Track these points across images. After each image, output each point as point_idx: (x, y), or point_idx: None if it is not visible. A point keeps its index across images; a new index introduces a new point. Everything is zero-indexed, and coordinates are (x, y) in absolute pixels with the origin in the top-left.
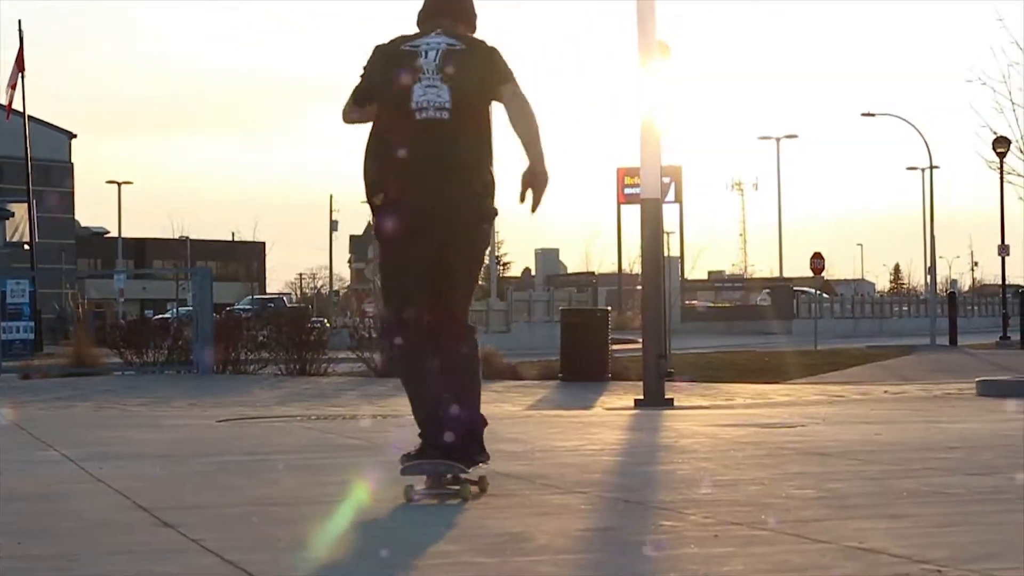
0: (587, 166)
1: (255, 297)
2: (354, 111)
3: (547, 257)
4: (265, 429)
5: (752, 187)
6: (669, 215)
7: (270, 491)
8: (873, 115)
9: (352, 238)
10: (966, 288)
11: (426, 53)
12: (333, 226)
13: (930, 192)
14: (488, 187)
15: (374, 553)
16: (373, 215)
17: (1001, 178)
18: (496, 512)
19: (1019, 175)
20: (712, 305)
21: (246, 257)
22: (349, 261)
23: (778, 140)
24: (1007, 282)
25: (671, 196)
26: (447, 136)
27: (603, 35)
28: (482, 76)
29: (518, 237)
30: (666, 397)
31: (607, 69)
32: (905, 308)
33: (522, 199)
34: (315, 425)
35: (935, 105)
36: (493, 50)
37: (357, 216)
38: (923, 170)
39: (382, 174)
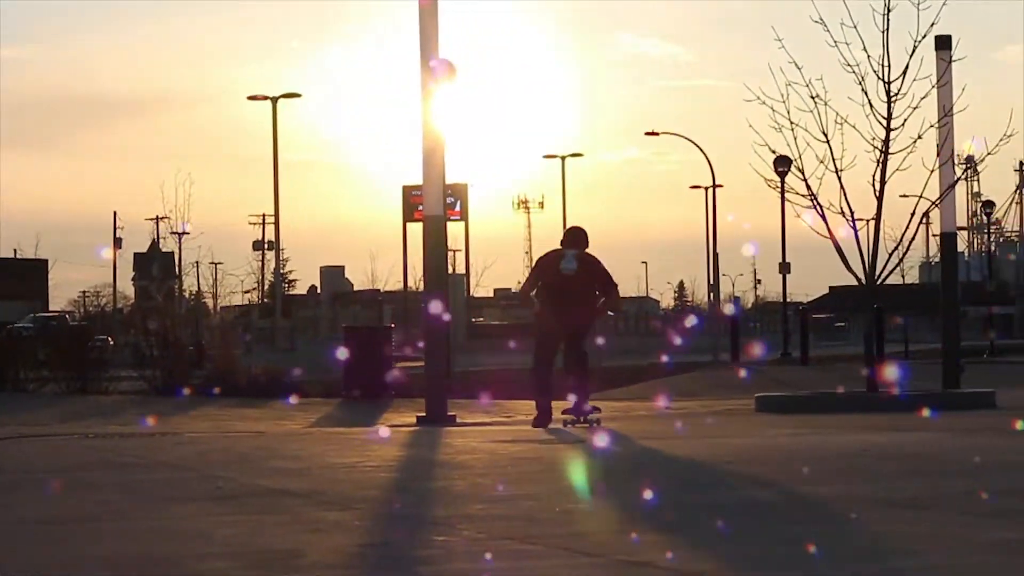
0: (374, 183)
1: (37, 315)
2: (528, 288)
3: (332, 275)
4: (41, 447)
5: (538, 205)
6: (454, 233)
7: (41, 510)
8: (657, 134)
9: (136, 256)
10: (749, 305)
11: (566, 255)
12: (117, 243)
13: (713, 210)
14: (592, 299)
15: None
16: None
17: (782, 197)
18: (269, 529)
19: (798, 194)
20: (498, 323)
21: (28, 275)
22: (133, 279)
23: (563, 158)
24: (788, 299)
25: (456, 214)
26: (575, 279)
27: (391, 52)
28: (592, 266)
29: (303, 255)
30: (449, 414)
31: (394, 86)
32: (689, 325)
33: (602, 312)
34: (93, 443)
35: (718, 123)
36: (597, 259)
37: (141, 234)
38: (706, 188)
39: (546, 298)
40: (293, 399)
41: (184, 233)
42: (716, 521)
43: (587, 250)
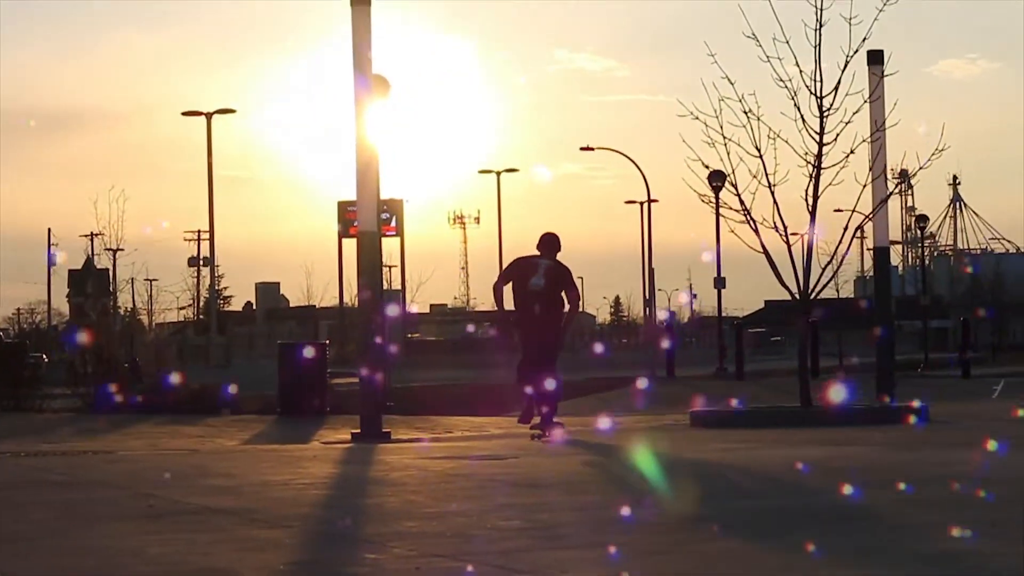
0: (309, 198)
1: None
2: (501, 285)
3: (268, 291)
4: None
5: (474, 220)
6: (390, 248)
7: None
8: (592, 149)
9: (71, 273)
10: (686, 320)
11: (539, 267)
12: (51, 260)
13: (648, 225)
14: (560, 314)
15: None
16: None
17: (717, 212)
18: (201, 547)
19: (731, 209)
20: (435, 339)
21: None
22: (68, 296)
23: (498, 174)
24: (724, 314)
25: (392, 229)
26: (542, 295)
27: (326, 67)
28: (559, 279)
29: (239, 271)
30: (384, 430)
31: (329, 101)
32: (625, 340)
33: (567, 328)
34: (25, 462)
35: (653, 138)
36: (567, 269)
37: (75, 251)
38: (641, 203)
39: (516, 309)
40: (228, 416)
41: (119, 250)
42: (649, 536)
43: (558, 256)
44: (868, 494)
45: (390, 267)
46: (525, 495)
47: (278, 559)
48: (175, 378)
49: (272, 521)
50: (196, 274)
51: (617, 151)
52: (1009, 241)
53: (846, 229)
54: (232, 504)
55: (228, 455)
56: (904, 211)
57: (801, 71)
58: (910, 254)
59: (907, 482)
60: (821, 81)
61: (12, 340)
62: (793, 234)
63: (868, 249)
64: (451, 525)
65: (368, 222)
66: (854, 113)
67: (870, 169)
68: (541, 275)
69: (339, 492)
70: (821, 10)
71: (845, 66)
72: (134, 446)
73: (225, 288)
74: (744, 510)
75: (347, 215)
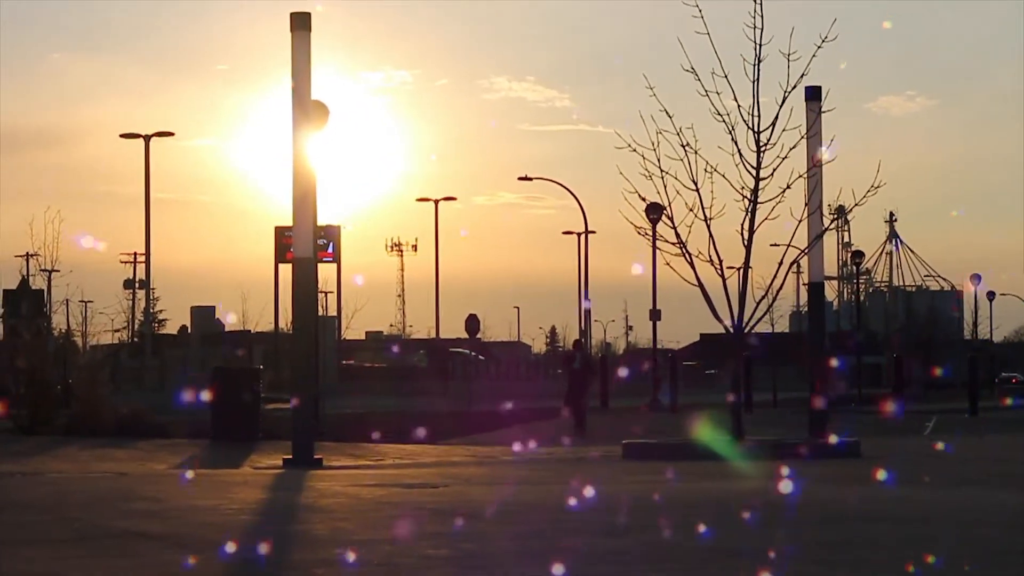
0: (247, 223)
1: None
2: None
3: (203, 315)
4: None
5: (411, 248)
6: (327, 274)
7: None
8: (530, 179)
9: (5, 293)
10: (621, 351)
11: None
12: None
13: (585, 256)
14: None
15: None
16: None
17: (653, 244)
18: (122, 572)
19: (668, 242)
20: (369, 365)
21: None
22: (1, 316)
23: (436, 202)
24: (659, 346)
25: (329, 255)
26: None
27: (266, 92)
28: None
29: (174, 294)
30: (316, 456)
31: (269, 125)
32: (560, 371)
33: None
34: None
35: (593, 169)
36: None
37: (10, 271)
38: (579, 234)
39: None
40: (159, 440)
41: (54, 271)
42: (570, 567)
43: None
44: (787, 530)
45: (326, 293)
46: (452, 524)
47: None
48: None
49: (198, 546)
50: (131, 296)
51: (555, 181)
52: (944, 279)
53: (781, 264)
54: (158, 529)
55: (157, 479)
56: (840, 247)
57: (739, 105)
58: (845, 290)
59: (824, 518)
60: (759, 116)
61: None
62: (729, 268)
63: (804, 284)
64: (379, 553)
65: (304, 248)
66: (791, 148)
67: (806, 204)
68: (577, 361)
69: (267, 518)
70: (760, 45)
71: (783, 101)
72: (63, 468)
73: (160, 311)
74: (665, 543)
75: (284, 240)
